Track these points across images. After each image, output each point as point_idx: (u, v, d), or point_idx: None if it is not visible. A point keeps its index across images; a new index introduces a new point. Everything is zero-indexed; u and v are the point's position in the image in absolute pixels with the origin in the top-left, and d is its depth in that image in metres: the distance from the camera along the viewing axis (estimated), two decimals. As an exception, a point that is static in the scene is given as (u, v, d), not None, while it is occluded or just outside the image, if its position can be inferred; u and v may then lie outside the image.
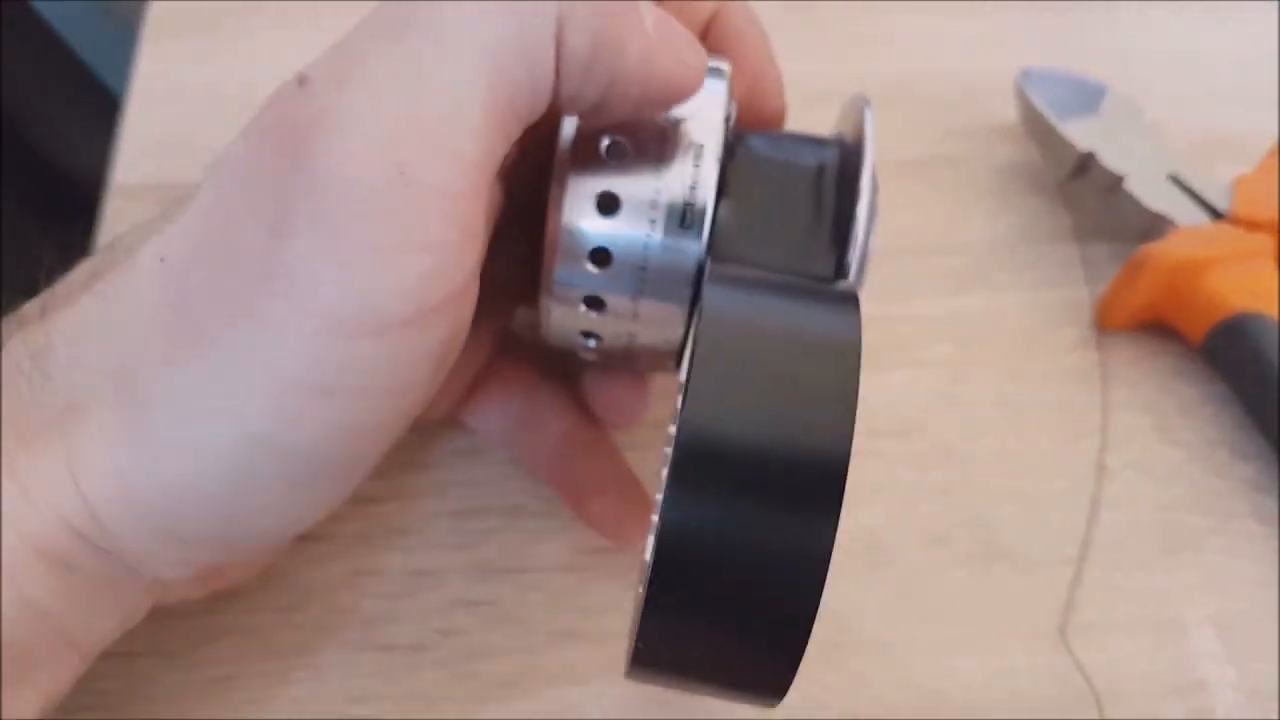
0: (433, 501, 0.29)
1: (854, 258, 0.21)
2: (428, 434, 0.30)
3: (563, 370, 0.28)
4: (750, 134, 0.23)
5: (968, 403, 0.31)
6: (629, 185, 0.21)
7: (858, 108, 0.23)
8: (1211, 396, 0.32)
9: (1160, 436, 0.31)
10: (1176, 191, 0.33)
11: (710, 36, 0.25)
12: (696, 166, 0.21)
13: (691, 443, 0.16)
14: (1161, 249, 0.30)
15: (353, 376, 0.18)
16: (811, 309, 0.19)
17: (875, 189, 0.22)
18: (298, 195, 0.17)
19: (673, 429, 0.18)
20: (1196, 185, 0.33)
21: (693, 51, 0.20)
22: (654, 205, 0.21)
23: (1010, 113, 0.37)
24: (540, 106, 0.19)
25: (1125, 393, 0.32)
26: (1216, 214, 0.32)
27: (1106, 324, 0.33)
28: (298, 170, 0.17)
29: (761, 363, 0.17)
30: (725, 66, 0.23)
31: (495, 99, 0.18)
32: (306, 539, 0.28)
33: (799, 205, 0.22)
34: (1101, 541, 0.29)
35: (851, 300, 0.19)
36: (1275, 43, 0.41)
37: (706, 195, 0.21)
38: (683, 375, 0.19)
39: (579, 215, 0.21)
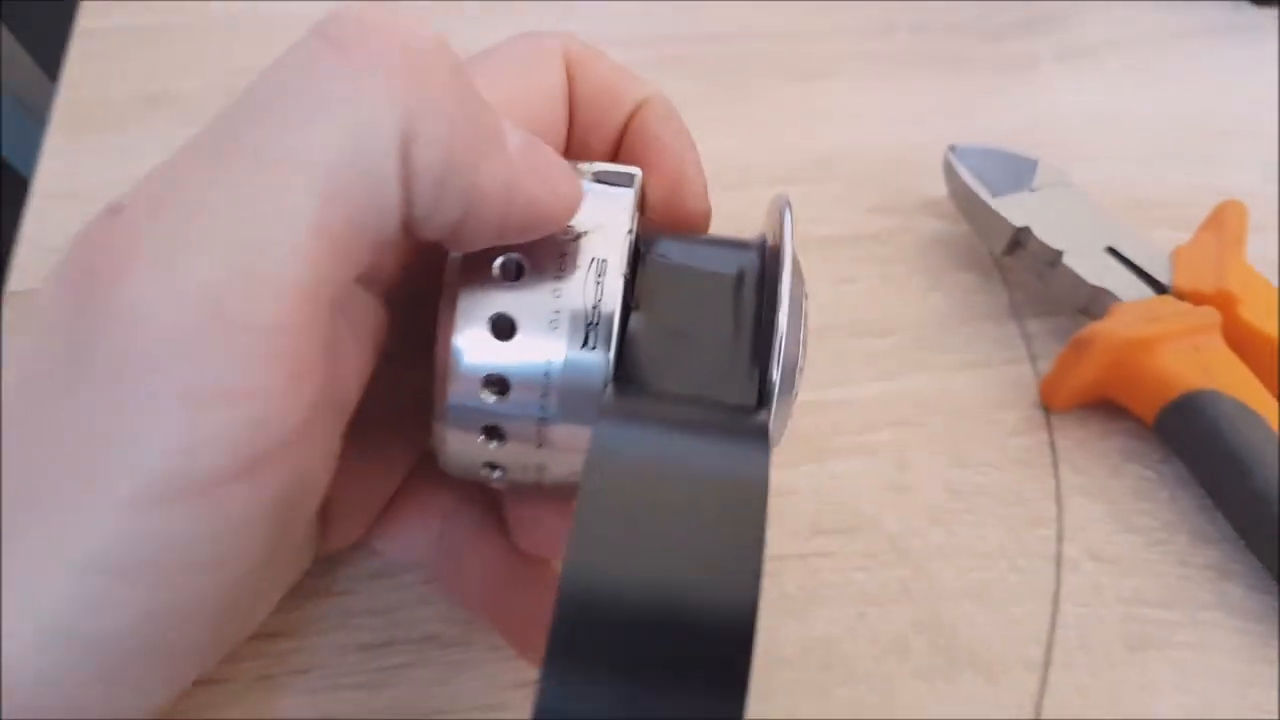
0: (340, 635, 0.26)
1: (777, 371, 0.19)
2: (333, 557, 0.27)
3: (488, 491, 0.25)
4: (663, 238, 0.21)
5: (917, 492, 0.30)
6: (526, 305, 0.19)
7: (779, 208, 0.21)
8: (1167, 477, 0.30)
9: (1117, 523, 0.30)
10: (1116, 264, 0.31)
11: (628, 137, 0.23)
12: (599, 282, 0.19)
13: (570, 615, 0.14)
14: (1107, 328, 0.29)
15: (164, 550, 0.15)
16: (715, 447, 0.17)
17: (803, 295, 0.20)
18: (95, 340, 0.15)
19: None
20: (1135, 257, 0.31)
21: (563, 178, 0.19)
22: (554, 325, 0.19)
23: (940, 186, 0.36)
24: (389, 228, 0.17)
25: (1077, 476, 0.30)
26: (1158, 286, 0.31)
27: (1052, 404, 0.31)
28: (96, 311, 0.15)
29: (653, 515, 0.15)
30: (635, 172, 0.21)
31: (331, 222, 0.16)
32: (199, 682, 0.25)
33: (716, 316, 0.20)
34: (1065, 641, 0.27)
35: (760, 437, 0.17)
36: (1197, 101, 0.41)
37: (611, 312, 0.19)
38: None
39: (471, 340, 0.19)
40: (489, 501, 0.25)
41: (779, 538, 0.28)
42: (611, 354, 0.19)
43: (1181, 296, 0.30)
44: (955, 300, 0.34)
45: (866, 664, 0.26)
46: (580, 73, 0.23)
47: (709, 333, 0.20)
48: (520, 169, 0.18)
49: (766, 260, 0.21)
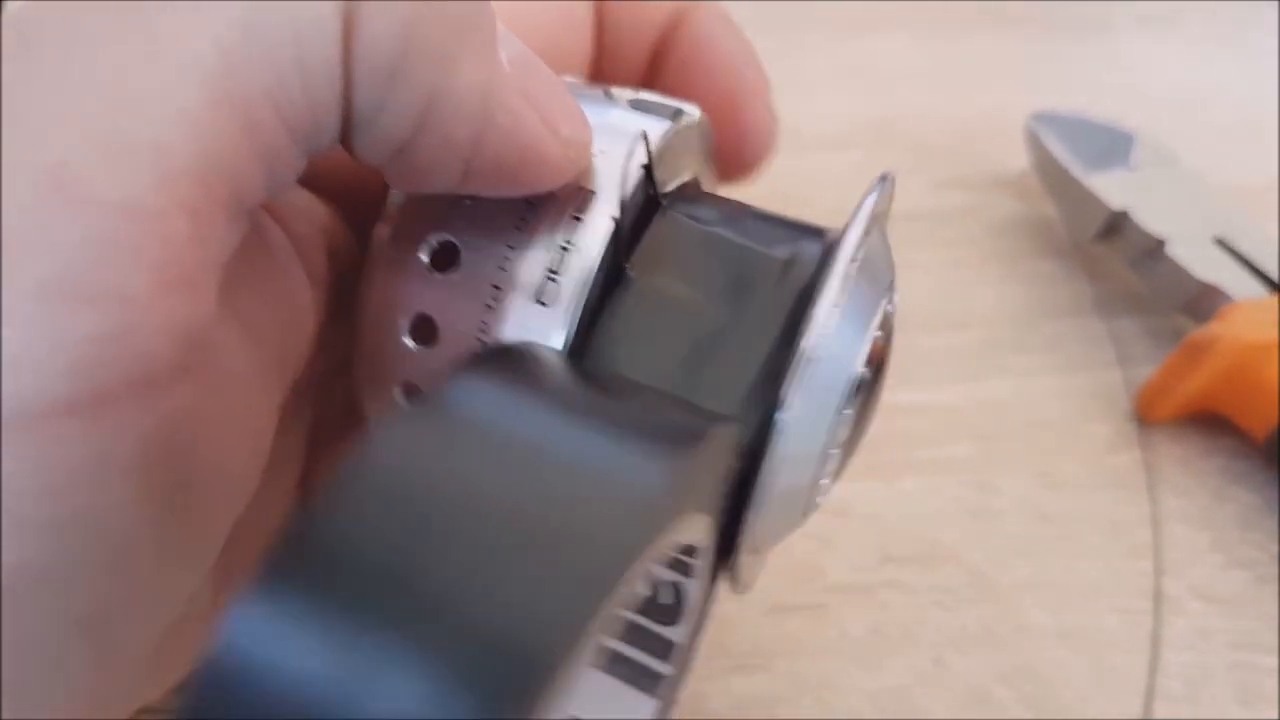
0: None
1: (793, 388, 0.14)
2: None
3: None
4: (708, 202, 0.17)
5: (998, 517, 0.26)
6: (477, 234, 0.15)
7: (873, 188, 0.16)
8: (1276, 504, 0.26)
9: (1222, 556, 0.26)
10: (1226, 257, 0.27)
11: (668, 59, 0.19)
12: (577, 219, 0.15)
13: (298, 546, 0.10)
14: (1230, 331, 0.25)
15: None
16: (603, 438, 0.12)
17: (884, 309, 0.15)
18: None
19: None
20: (1250, 251, 0.27)
21: (567, 115, 0.14)
22: (503, 267, 0.15)
23: (1012, 160, 0.31)
24: (325, 120, 0.13)
25: (1177, 501, 0.26)
26: (1274, 285, 0.27)
27: (1150, 416, 0.27)
28: None
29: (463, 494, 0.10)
30: (686, 109, 0.16)
31: (237, 84, 0.12)
32: None
33: (740, 301, 0.15)
34: (1168, 692, 0.24)
35: (689, 441, 0.12)
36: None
37: (581, 263, 0.14)
38: None
39: (401, 267, 0.15)
40: None
41: (838, 567, 0.24)
42: (573, 319, 0.14)
43: (1308, 297, 0.26)
44: (1033, 293, 0.30)
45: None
46: None
47: (721, 320, 0.15)
48: (511, 85, 0.13)
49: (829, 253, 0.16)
